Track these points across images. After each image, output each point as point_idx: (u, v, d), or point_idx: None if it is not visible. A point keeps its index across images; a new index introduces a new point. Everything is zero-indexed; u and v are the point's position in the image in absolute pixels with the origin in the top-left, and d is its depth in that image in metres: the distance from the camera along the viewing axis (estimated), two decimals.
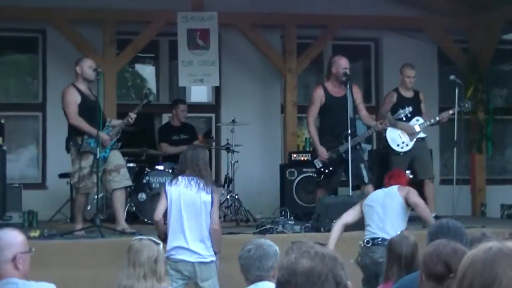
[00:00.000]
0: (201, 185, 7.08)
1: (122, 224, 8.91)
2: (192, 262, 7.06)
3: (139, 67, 13.19)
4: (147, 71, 13.24)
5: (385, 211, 7.33)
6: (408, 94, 10.41)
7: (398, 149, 10.17)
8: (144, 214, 9.92)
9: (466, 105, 10.36)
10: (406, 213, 7.42)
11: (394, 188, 7.54)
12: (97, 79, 8.94)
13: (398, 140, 10.20)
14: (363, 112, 9.80)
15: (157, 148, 11.37)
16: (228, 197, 10.81)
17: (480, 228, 7.72)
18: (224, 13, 11.29)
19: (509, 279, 2.22)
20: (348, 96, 9.48)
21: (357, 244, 7.29)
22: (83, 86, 8.99)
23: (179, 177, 7.17)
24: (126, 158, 10.14)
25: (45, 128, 11.86)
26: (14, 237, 4.22)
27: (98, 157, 8.69)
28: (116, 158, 9.05)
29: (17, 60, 12.61)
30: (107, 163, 8.88)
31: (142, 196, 10.27)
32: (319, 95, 9.70)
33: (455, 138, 10.20)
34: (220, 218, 9.79)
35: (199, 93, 12.93)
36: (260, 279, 4.73)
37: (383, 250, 5.56)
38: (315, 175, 9.96)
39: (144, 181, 10.36)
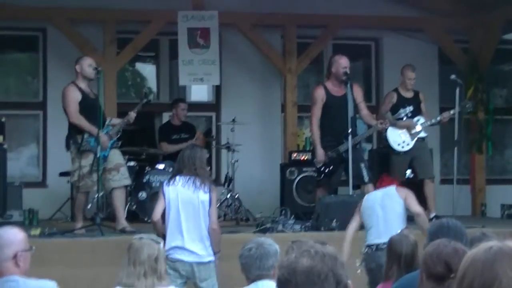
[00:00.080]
0: (198, 184, 7.09)
1: (122, 222, 8.92)
2: (190, 262, 7.06)
3: (139, 66, 13.18)
4: (147, 70, 13.24)
5: (386, 214, 7.32)
6: (408, 94, 10.42)
7: (399, 148, 10.17)
8: (144, 213, 9.92)
9: (467, 105, 10.37)
10: (405, 214, 7.42)
11: (392, 189, 7.52)
12: (97, 77, 8.94)
13: (398, 139, 10.21)
14: (364, 111, 9.79)
15: (157, 147, 11.38)
16: (228, 196, 10.81)
17: (480, 228, 7.72)
18: (225, 13, 11.29)
19: (509, 279, 2.22)
20: (348, 95, 9.48)
21: (358, 243, 7.30)
22: (83, 85, 9.00)
23: (177, 177, 7.17)
24: (127, 157, 10.16)
25: (45, 127, 11.86)
26: (15, 235, 4.23)
27: (98, 156, 8.69)
28: (116, 157, 9.06)
29: (17, 58, 12.61)
30: (107, 162, 8.89)
31: (142, 195, 10.28)
32: (320, 95, 9.70)
33: (456, 138, 10.21)
34: (220, 217, 9.81)
35: (199, 92, 12.92)
36: (261, 278, 4.74)
37: None
38: (315, 175, 9.96)
39: (144, 180, 10.37)
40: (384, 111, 10.35)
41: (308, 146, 11.67)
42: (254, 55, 12.12)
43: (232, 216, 10.58)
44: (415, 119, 10.28)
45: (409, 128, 10.20)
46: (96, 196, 9.00)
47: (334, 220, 8.84)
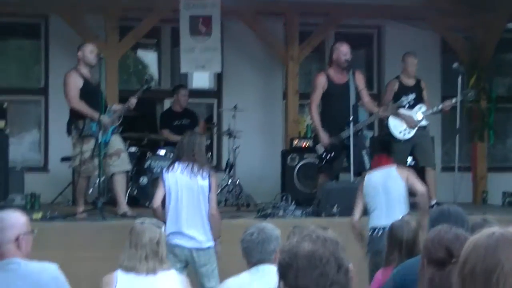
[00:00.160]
0: (197, 170, 7.11)
1: (123, 207, 8.95)
2: (189, 248, 7.09)
3: (141, 53, 13.18)
4: (149, 57, 13.23)
5: (389, 196, 7.36)
6: (410, 82, 10.41)
7: (400, 136, 10.17)
8: (145, 198, 9.93)
9: (469, 93, 10.36)
10: (407, 195, 7.46)
11: (393, 170, 7.54)
12: (99, 64, 8.95)
13: (400, 127, 10.20)
14: (365, 98, 9.79)
15: (159, 133, 11.39)
16: (229, 182, 10.83)
17: (481, 215, 7.73)
18: (227, 0, 11.26)
19: None
20: (350, 83, 9.48)
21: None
22: (85, 71, 9.02)
23: (176, 164, 7.20)
24: (128, 142, 10.17)
25: (47, 112, 11.87)
26: (17, 218, 4.25)
27: (99, 141, 8.71)
28: (116, 142, 9.08)
29: (20, 45, 12.61)
30: (108, 147, 8.91)
31: (144, 180, 10.31)
32: (321, 82, 9.70)
33: (457, 126, 10.20)
34: (221, 203, 9.85)
35: (200, 80, 12.92)
36: (262, 262, 4.75)
37: None
38: (316, 161, 9.98)
39: (146, 165, 10.40)
40: (387, 100, 10.34)
41: (309, 133, 11.67)
42: (256, 42, 12.10)
43: (233, 202, 10.60)
44: (417, 107, 10.27)
45: (409, 123, 10.16)
46: (97, 181, 9.01)
47: (335, 206, 8.86)
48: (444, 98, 11.10)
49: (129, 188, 10.05)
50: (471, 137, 11.86)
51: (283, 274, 2.56)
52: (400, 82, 10.39)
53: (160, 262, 4.90)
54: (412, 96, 10.21)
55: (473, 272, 2.25)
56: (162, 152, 10.65)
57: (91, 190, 9.52)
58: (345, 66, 9.55)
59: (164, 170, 7.33)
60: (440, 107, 10.34)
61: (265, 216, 8.76)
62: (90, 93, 8.90)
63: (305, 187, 10.72)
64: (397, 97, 10.24)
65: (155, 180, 8.99)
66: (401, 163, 9.80)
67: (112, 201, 9.20)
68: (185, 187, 7.12)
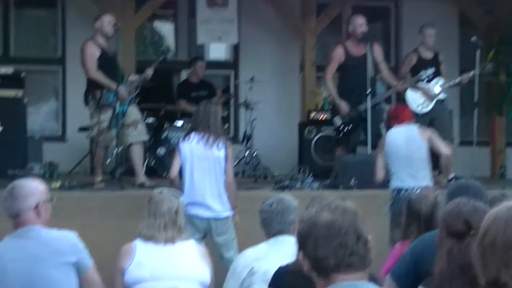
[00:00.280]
0: (213, 141, 7.12)
1: (141, 177, 8.99)
2: (207, 218, 7.12)
3: (158, 24, 13.15)
4: (166, 28, 13.21)
5: (412, 156, 7.40)
6: (428, 55, 10.35)
7: (418, 110, 10.12)
8: (163, 169, 9.97)
9: (487, 67, 10.29)
10: (429, 156, 7.50)
11: (414, 130, 7.56)
12: (116, 35, 8.96)
13: (418, 100, 10.16)
14: (384, 71, 9.76)
15: (176, 104, 11.39)
16: (246, 154, 10.84)
17: (500, 190, 7.72)
18: None
19: None
20: (368, 55, 9.44)
21: (377, 201, 7.36)
22: (102, 41, 9.03)
23: (192, 134, 7.22)
24: (145, 113, 10.19)
25: (64, 82, 11.90)
26: (36, 186, 4.28)
27: (117, 111, 8.73)
28: (133, 113, 9.10)
29: (37, 15, 12.62)
30: (125, 118, 8.92)
31: (161, 151, 10.34)
32: (338, 54, 9.66)
33: (475, 100, 10.15)
34: (238, 174, 9.86)
35: (217, 51, 12.90)
36: (281, 233, 4.76)
37: None
38: (334, 134, 9.97)
39: (163, 136, 10.43)
40: (405, 72, 10.29)
41: (326, 106, 11.65)
42: (273, 14, 12.03)
43: (250, 174, 10.61)
44: (435, 80, 10.22)
45: (426, 94, 10.13)
46: (115, 151, 9.05)
47: (353, 179, 8.86)
48: (462, 72, 11.01)
49: (147, 159, 10.08)
50: (489, 111, 11.80)
51: (302, 243, 2.57)
52: (419, 55, 10.33)
53: (178, 231, 4.91)
54: (431, 71, 10.14)
55: (493, 244, 2.26)
56: (179, 123, 10.67)
57: (109, 160, 9.54)
58: (361, 38, 9.51)
59: (180, 141, 7.36)
60: (458, 80, 10.29)
61: (282, 188, 8.77)
62: (107, 63, 8.91)
63: (322, 160, 10.72)
64: (415, 70, 10.18)
65: (173, 151, 8.99)
66: None
67: (130, 171, 9.23)
68: (201, 158, 7.14)
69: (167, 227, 4.88)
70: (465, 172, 10.03)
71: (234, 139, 11.44)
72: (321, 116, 11.10)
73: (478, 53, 10.04)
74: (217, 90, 11.68)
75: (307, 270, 2.54)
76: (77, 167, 10.82)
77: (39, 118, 11.92)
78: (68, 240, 4.23)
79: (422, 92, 10.12)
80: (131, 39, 10.97)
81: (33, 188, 4.25)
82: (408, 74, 10.25)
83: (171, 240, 4.88)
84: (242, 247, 5.74)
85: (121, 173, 8.79)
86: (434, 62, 10.32)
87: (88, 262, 4.26)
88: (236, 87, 12.35)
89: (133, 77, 9.31)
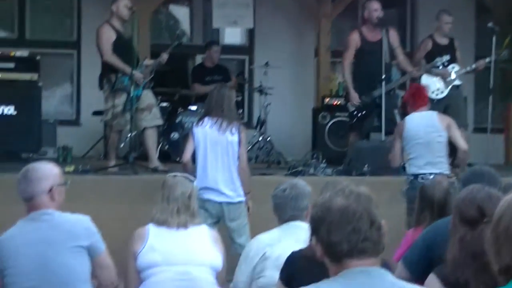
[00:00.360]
0: (226, 125, 7.11)
1: (155, 162, 9.00)
2: (220, 203, 7.12)
3: (173, 8, 13.14)
4: (181, 12, 13.20)
5: (432, 145, 7.41)
6: (444, 41, 10.29)
7: (433, 96, 10.07)
8: (177, 154, 9.97)
9: (503, 53, 10.24)
10: (448, 144, 7.51)
11: (434, 116, 7.55)
12: (132, 18, 8.95)
13: (433, 87, 10.11)
14: (400, 56, 9.73)
15: (190, 89, 11.39)
16: (260, 139, 10.84)
17: None
18: None
19: None
20: (384, 41, 9.41)
21: (390, 188, 7.35)
22: (117, 24, 9.02)
23: (205, 119, 7.21)
24: (160, 97, 10.19)
25: (79, 66, 11.92)
26: (51, 170, 4.29)
27: (131, 95, 8.73)
28: (148, 97, 9.09)
29: None
30: (139, 102, 8.92)
31: (175, 135, 10.35)
32: (354, 39, 9.63)
33: (491, 87, 10.10)
34: (251, 159, 9.86)
35: (232, 35, 12.88)
36: (294, 218, 4.75)
37: None
38: (348, 120, 9.95)
39: (177, 121, 10.43)
40: (419, 58, 10.25)
41: (341, 91, 11.62)
42: None
43: (263, 159, 10.61)
44: (450, 66, 10.17)
45: (443, 76, 10.11)
46: (128, 135, 9.06)
47: (366, 165, 8.84)
48: (477, 58, 10.97)
49: (161, 143, 10.09)
50: (504, 98, 11.74)
51: (315, 228, 2.56)
52: (434, 41, 10.27)
53: (191, 216, 4.91)
54: (446, 58, 10.08)
55: (507, 230, 2.25)
56: (193, 107, 10.67)
57: (122, 144, 9.56)
58: (377, 22, 9.48)
59: (194, 125, 7.35)
60: (473, 66, 10.24)
61: (296, 174, 8.75)
62: (122, 47, 8.90)
63: (336, 146, 10.71)
64: (430, 56, 10.13)
65: (186, 135, 9.00)
66: None
67: (144, 156, 9.24)
68: (214, 142, 7.14)
69: (180, 211, 4.88)
70: (479, 159, 9.99)
71: (248, 124, 11.44)
72: (335, 102, 11.08)
73: (494, 39, 9.97)
74: (232, 74, 11.68)
75: (320, 255, 2.54)
76: (91, 151, 10.84)
77: (53, 101, 11.96)
78: (81, 224, 4.24)
79: (439, 76, 10.07)
80: (146, 23, 10.96)
81: (47, 172, 4.26)
82: (422, 60, 10.20)
83: (183, 224, 4.88)
84: (254, 232, 5.74)
85: (134, 158, 8.79)
86: (450, 48, 10.26)
87: (101, 246, 4.27)
88: (251, 72, 12.33)
89: (148, 61, 9.30)
